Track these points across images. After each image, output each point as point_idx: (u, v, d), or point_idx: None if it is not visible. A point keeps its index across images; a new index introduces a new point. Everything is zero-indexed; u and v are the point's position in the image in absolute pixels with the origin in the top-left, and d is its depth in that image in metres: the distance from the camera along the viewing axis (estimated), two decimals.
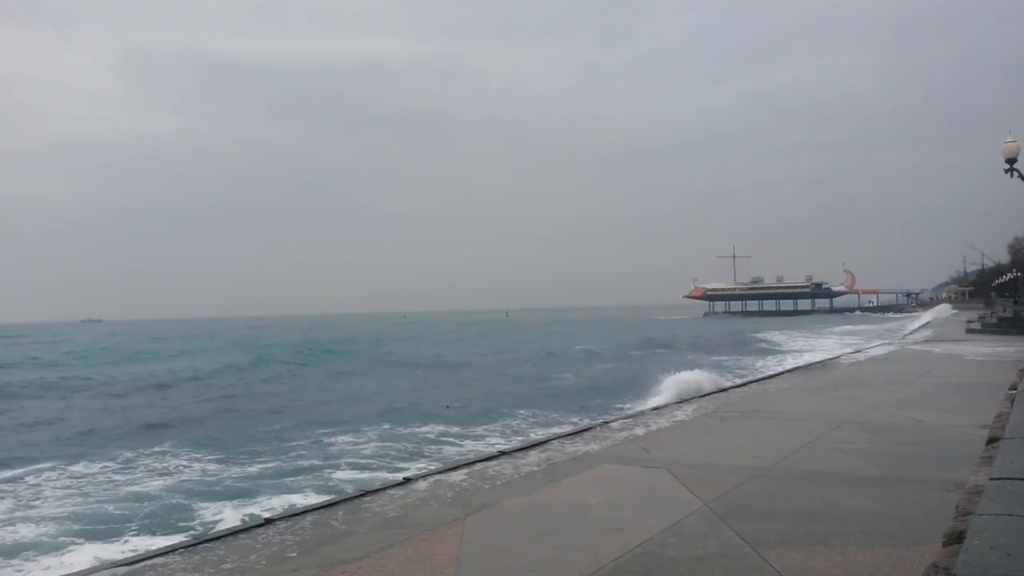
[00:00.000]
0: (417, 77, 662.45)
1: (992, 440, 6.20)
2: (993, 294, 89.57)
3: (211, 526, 9.01)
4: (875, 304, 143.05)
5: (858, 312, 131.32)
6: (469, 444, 14.05)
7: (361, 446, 14.09)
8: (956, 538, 3.31)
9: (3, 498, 11.19)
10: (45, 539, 8.95)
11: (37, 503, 10.88)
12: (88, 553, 8.05)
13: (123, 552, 7.78)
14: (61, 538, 8.93)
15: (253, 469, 12.53)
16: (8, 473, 12.96)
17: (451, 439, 14.61)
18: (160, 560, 5.70)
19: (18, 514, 10.15)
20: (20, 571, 7.84)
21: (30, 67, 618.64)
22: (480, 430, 14.34)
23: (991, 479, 4.30)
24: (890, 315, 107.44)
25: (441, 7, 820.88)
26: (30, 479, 12.52)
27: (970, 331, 37.74)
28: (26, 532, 9.26)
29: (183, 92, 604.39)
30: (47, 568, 7.88)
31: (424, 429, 15.88)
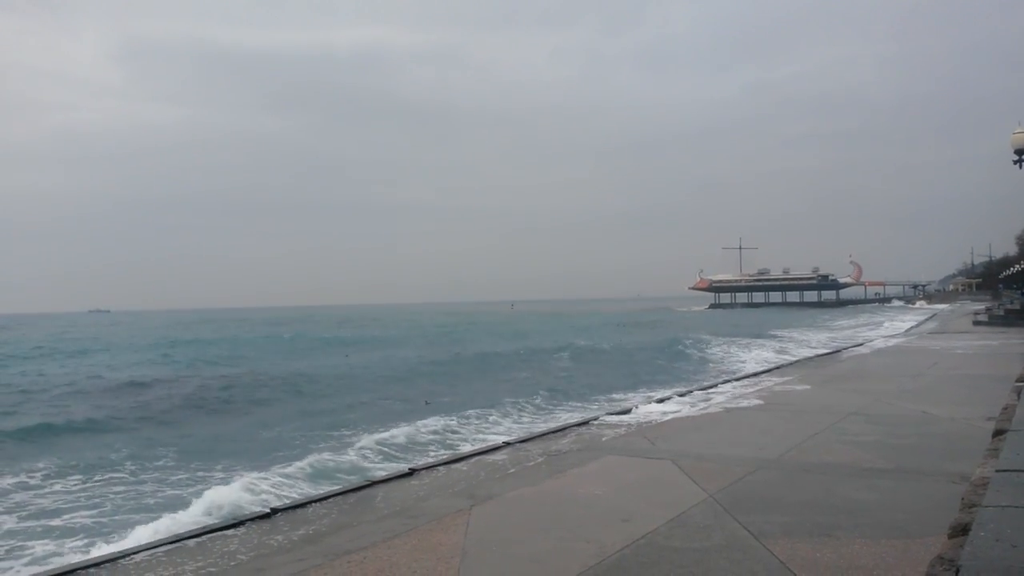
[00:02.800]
0: (419, 66, 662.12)
1: (999, 432, 6.18)
2: (1000, 286, 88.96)
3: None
4: (882, 295, 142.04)
5: (898, 302, 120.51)
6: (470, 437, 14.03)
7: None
8: (962, 530, 3.31)
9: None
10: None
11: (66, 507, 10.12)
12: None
13: None
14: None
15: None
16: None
17: (449, 432, 14.52)
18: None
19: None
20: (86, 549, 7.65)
21: (30, 57, 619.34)
22: (473, 425, 14.47)
23: (997, 471, 4.29)
24: (919, 305, 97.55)
25: None
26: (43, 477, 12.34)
27: (977, 323, 37.66)
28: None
29: (184, 82, 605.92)
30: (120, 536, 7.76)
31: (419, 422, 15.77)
